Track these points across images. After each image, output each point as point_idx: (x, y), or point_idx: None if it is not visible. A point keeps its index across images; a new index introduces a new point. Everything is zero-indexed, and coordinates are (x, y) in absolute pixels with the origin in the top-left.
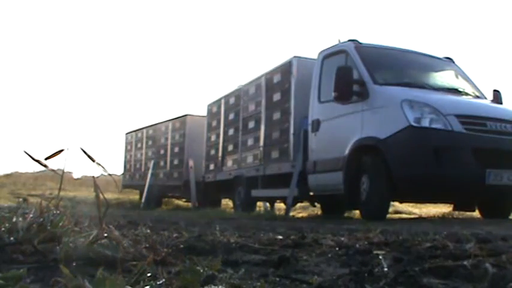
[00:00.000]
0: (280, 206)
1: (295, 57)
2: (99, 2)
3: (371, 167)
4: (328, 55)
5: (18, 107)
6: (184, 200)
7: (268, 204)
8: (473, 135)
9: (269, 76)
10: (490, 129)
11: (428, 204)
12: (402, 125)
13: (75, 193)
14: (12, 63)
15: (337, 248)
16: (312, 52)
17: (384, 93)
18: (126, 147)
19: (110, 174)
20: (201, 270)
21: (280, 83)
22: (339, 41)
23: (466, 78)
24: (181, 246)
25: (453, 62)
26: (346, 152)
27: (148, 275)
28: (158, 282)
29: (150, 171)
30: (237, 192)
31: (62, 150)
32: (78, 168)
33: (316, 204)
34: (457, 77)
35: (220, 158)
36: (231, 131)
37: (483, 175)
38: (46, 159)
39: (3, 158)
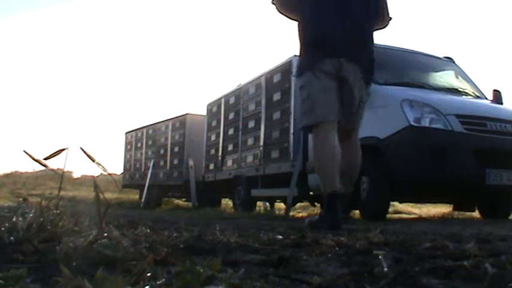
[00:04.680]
0: (280, 205)
1: (295, 56)
2: (99, 2)
3: (371, 167)
4: None
5: (18, 107)
6: (184, 199)
7: (268, 203)
8: (473, 135)
9: (269, 76)
10: (490, 129)
11: (428, 204)
12: (402, 125)
13: (75, 193)
14: (12, 63)
15: (337, 248)
16: None
17: (384, 93)
18: (126, 146)
19: (109, 174)
20: (201, 270)
21: (280, 83)
22: None
23: (466, 78)
24: (181, 246)
25: (453, 62)
26: None
27: (148, 275)
28: (158, 282)
29: (150, 171)
30: (236, 192)
31: (62, 150)
32: (78, 167)
33: (316, 204)
34: (457, 77)
35: (220, 158)
36: (231, 131)
37: (483, 175)
38: (46, 158)
39: (3, 157)
